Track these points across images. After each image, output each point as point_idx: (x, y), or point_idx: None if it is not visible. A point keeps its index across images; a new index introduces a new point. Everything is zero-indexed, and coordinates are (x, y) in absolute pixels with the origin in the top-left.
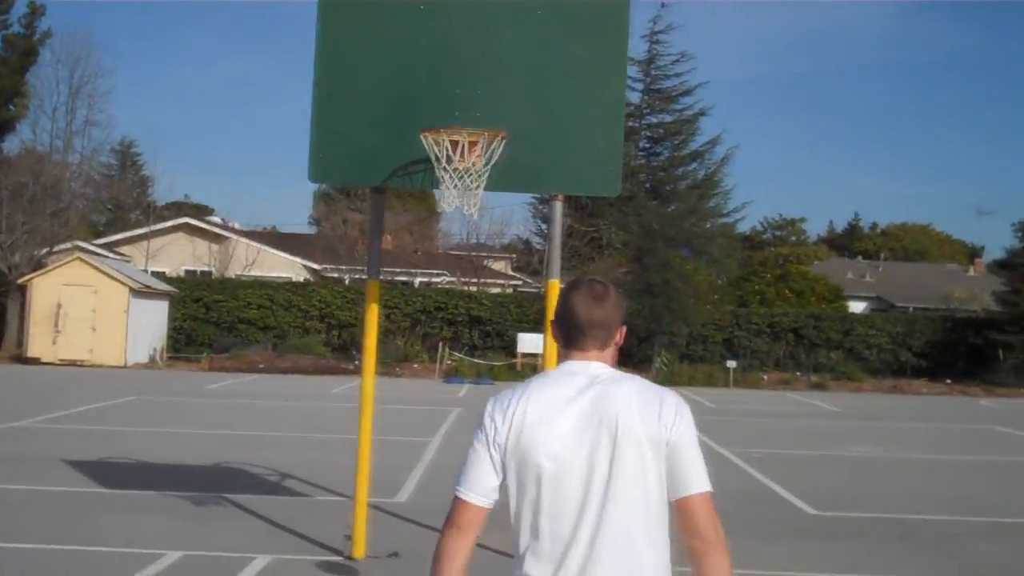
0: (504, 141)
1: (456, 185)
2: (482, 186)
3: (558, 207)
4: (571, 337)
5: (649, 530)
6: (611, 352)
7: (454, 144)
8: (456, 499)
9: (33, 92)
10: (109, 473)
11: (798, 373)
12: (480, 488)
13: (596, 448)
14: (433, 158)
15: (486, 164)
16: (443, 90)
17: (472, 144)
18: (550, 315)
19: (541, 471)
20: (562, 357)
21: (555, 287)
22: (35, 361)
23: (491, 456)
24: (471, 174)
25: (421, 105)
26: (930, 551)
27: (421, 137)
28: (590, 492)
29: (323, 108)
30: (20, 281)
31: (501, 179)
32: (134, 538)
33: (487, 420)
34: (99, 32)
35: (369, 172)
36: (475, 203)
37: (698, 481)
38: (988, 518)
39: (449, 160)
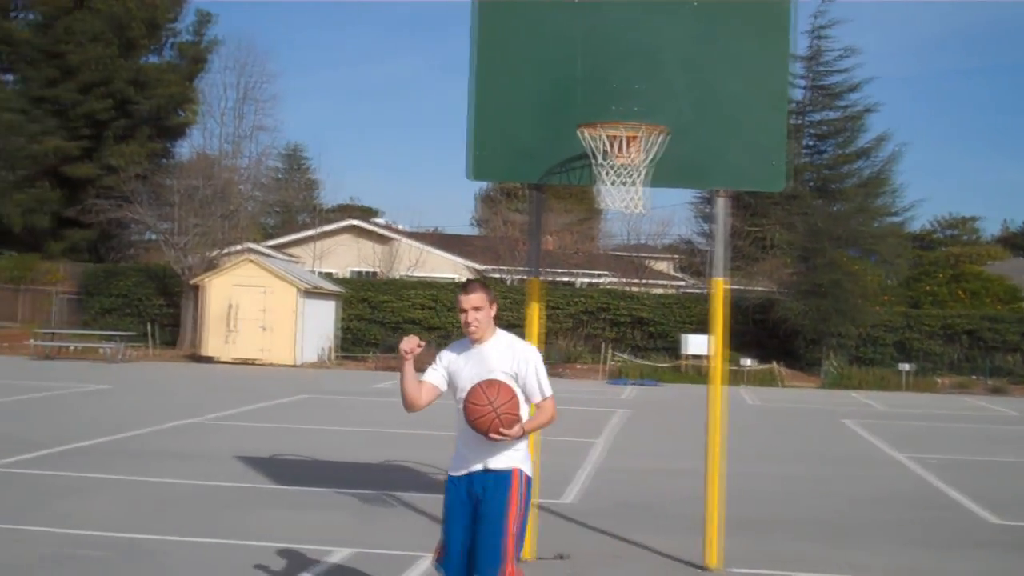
0: (664, 136)
1: (614, 182)
2: (641, 182)
3: (722, 203)
4: None
5: None
6: None
7: (612, 140)
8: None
9: (203, 98)
10: (279, 470)
11: (975, 377)
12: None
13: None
14: (590, 153)
15: (646, 159)
16: (601, 84)
17: (631, 139)
18: (716, 316)
19: None
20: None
21: (720, 286)
22: (209, 360)
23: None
24: (630, 170)
25: (578, 100)
26: None
27: (578, 132)
28: None
29: (481, 105)
30: (194, 282)
31: (662, 175)
32: (303, 535)
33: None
34: (264, 37)
35: (527, 169)
36: (638, 200)
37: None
38: None
39: (607, 156)
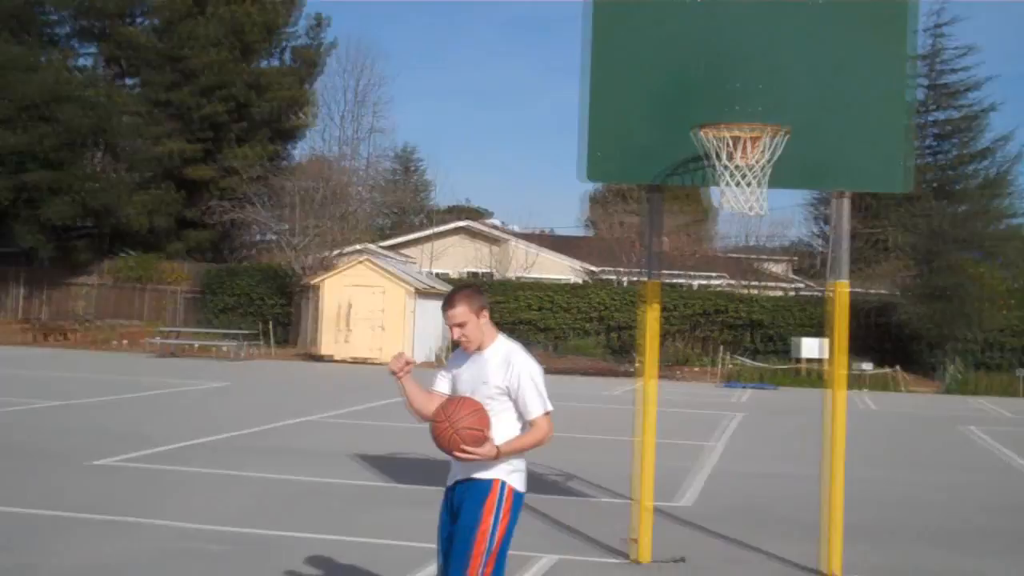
0: (786, 136)
1: (737, 183)
2: (764, 184)
3: (845, 205)
4: None
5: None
6: None
7: (734, 140)
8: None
9: (320, 101)
10: (394, 467)
11: None
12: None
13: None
14: (713, 155)
15: (768, 160)
16: (721, 84)
17: (753, 140)
18: (838, 319)
19: None
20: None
21: (843, 288)
22: (326, 359)
23: None
24: (753, 171)
25: (698, 100)
26: None
27: (699, 134)
28: None
29: (597, 106)
30: (311, 282)
31: (783, 176)
32: (419, 532)
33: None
34: (377, 38)
35: (644, 170)
36: (760, 202)
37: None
38: None
39: (729, 157)
